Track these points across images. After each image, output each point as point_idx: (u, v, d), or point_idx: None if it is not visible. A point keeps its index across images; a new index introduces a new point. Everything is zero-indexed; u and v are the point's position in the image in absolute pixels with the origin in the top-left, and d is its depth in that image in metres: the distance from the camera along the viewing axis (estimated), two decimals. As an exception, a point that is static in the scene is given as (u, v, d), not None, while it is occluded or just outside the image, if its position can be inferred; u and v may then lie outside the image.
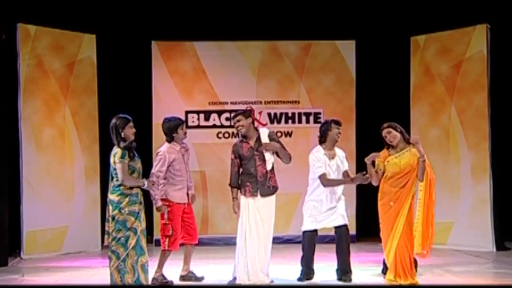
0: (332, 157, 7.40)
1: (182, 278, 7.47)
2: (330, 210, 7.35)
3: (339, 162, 7.44)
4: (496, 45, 9.69)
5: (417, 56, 10.36)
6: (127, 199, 6.43)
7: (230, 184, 7.37)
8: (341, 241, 7.35)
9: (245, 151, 7.26)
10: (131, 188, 6.49)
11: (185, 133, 7.47)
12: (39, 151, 9.46)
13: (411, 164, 7.06)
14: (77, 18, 9.90)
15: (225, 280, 7.33)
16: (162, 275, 7.29)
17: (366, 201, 9.07)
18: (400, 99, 10.45)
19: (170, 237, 7.20)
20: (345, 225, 7.37)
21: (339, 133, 7.44)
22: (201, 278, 7.50)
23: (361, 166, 9.95)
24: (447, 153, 9.99)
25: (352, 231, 10.46)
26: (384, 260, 7.35)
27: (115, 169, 6.47)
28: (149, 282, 6.78)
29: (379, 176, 7.16)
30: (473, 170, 9.74)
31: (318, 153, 7.39)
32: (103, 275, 7.48)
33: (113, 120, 6.58)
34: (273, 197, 7.30)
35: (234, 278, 7.23)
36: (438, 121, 10.13)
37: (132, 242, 6.40)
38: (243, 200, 7.24)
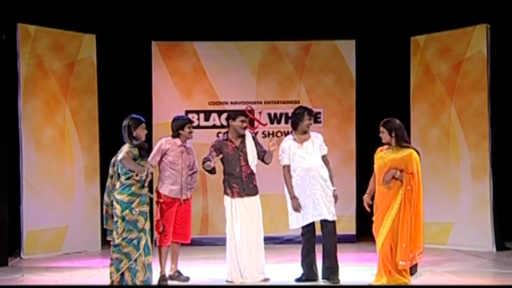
0: (303, 141, 7.23)
1: (169, 277, 7.45)
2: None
3: (316, 145, 7.24)
4: (496, 45, 9.68)
5: (417, 56, 10.35)
6: (138, 200, 6.47)
7: (205, 167, 7.34)
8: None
9: (229, 150, 7.33)
10: (142, 188, 6.51)
11: (191, 132, 7.54)
12: (39, 151, 9.45)
13: (397, 161, 6.72)
14: (77, 18, 9.90)
15: (224, 281, 7.34)
16: (174, 273, 7.35)
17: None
18: (400, 99, 10.44)
19: (161, 233, 7.25)
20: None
21: (310, 123, 7.29)
22: (187, 279, 7.48)
23: (361, 166, 10.00)
24: (447, 153, 9.98)
25: (352, 231, 10.53)
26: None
27: (124, 167, 6.48)
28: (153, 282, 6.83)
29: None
30: (473, 170, 9.73)
31: (284, 143, 7.31)
32: (103, 275, 7.48)
33: (126, 121, 6.64)
34: (258, 196, 7.38)
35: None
36: (438, 121, 10.12)
37: (143, 242, 6.46)
38: (230, 201, 7.31)
